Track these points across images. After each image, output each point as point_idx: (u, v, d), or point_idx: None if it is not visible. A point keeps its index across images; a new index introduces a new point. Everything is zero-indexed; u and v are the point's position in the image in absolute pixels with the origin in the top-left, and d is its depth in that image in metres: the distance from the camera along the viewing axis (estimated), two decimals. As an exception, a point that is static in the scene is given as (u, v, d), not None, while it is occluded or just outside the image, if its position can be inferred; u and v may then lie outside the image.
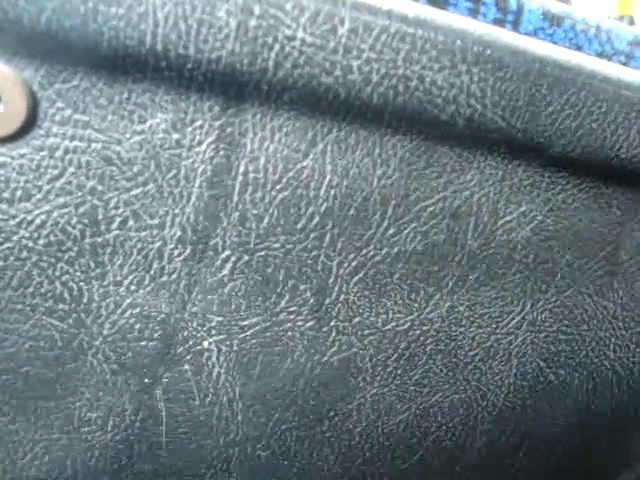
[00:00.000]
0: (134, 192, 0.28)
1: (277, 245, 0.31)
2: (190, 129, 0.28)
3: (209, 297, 0.31)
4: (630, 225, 0.37)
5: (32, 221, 0.28)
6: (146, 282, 0.30)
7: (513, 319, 0.36)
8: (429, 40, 0.28)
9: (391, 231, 0.32)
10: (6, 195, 0.27)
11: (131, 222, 0.29)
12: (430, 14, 0.29)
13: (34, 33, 0.25)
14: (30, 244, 0.28)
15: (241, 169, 0.29)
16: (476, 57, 0.29)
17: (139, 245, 0.29)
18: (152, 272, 0.30)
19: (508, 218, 0.34)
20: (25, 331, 0.29)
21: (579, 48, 0.35)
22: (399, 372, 0.35)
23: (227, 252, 0.30)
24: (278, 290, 0.32)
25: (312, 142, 0.30)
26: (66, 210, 0.28)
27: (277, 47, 0.27)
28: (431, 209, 0.32)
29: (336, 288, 0.32)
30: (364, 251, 0.32)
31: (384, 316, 0.34)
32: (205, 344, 0.31)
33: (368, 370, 0.34)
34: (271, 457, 0.35)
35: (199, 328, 0.31)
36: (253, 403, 0.33)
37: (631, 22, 1.02)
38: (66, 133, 0.27)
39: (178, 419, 0.32)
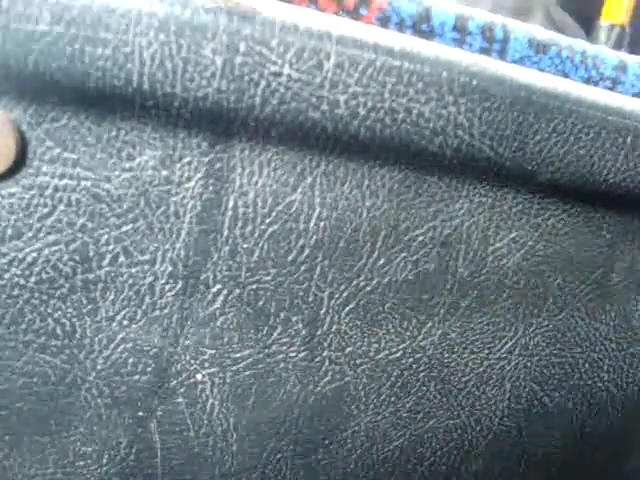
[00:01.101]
0: (124, 229, 0.28)
1: (268, 278, 0.31)
2: (179, 166, 0.28)
3: (201, 330, 0.31)
4: (620, 248, 0.37)
5: (23, 259, 0.28)
6: (138, 317, 0.30)
7: (506, 344, 0.36)
8: (415, 72, 0.28)
9: (381, 261, 0.32)
10: None
11: (122, 258, 0.29)
12: (416, 46, 0.29)
13: (22, 74, 0.25)
14: (22, 282, 0.28)
15: (230, 204, 0.29)
16: (463, 88, 0.29)
17: (130, 281, 0.29)
18: (144, 307, 0.30)
19: (498, 245, 0.34)
20: (18, 367, 0.29)
21: (565, 75, 0.35)
22: (393, 400, 0.35)
23: (218, 286, 0.30)
24: (270, 322, 0.32)
25: (301, 176, 0.30)
26: (57, 247, 0.28)
27: (263, 83, 0.27)
28: (421, 238, 0.32)
29: (328, 319, 0.32)
30: (355, 282, 0.32)
31: (376, 345, 0.34)
32: (198, 377, 0.31)
33: (362, 398, 0.34)
34: None
35: (192, 361, 0.31)
36: (248, 434, 0.33)
37: (622, 30, 1.02)
38: (55, 172, 0.27)
39: (173, 451, 0.32)
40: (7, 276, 0.28)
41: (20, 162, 0.27)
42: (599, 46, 0.35)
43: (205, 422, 0.32)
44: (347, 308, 0.32)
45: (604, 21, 1.11)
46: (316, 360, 0.33)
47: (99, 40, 0.25)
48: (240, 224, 0.30)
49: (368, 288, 0.32)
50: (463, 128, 0.30)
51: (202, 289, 0.30)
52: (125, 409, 0.31)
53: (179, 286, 0.30)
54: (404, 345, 0.34)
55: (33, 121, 0.26)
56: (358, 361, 0.34)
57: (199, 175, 0.28)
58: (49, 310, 0.29)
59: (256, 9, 0.26)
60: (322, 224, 0.31)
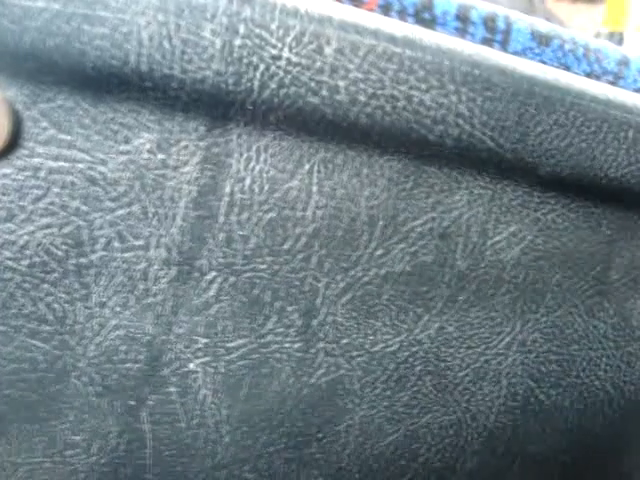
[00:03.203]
0: (119, 213, 0.28)
1: (264, 266, 0.30)
2: (175, 149, 0.28)
3: (195, 318, 0.30)
4: (620, 244, 0.37)
5: (15, 242, 0.27)
6: (131, 303, 0.29)
7: (503, 339, 0.36)
8: (417, 60, 0.28)
9: (379, 252, 0.32)
10: None
11: (116, 243, 0.28)
12: (418, 34, 0.29)
13: (18, 52, 0.25)
14: (13, 265, 0.28)
15: (227, 190, 0.29)
16: (464, 77, 0.29)
17: (124, 266, 0.29)
18: (137, 293, 0.29)
19: (497, 238, 0.34)
20: (8, 353, 0.29)
21: (568, 68, 0.35)
22: (388, 393, 0.35)
23: (213, 273, 0.30)
24: (265, 311, 0.31)
25: (299, 162, 0.29)
26: (50, 231, 0.28)
27: (262, 67, 0.27)
28: (419, 229, 0.32)
29: (323, 309, 0.32)
30: (352, 272, 0.32)
31: (372, 337, 0.33)
32: (191, 366, 0.31)
33: (356, 392, 0.34)
34: (258, 479, 0.34)
35: (185, 350, 0.31)
36: (240, 425, 0.33)
37: (621, 38, 1.03)
38: (50, 153, 0.27)
39: (164, 442, 0.32)
40: None
41: (14, 143, 0.26)
42: (602, 41, 0.35)
43: (197, 412, 0.32)
44: (343, 299, 0.32)
45: (604, 28, 1.11)
46: (311, 351, 0.32)
47: (97, 18, 0.25)
48: (236, 210, 0.29)
49: (365, 279, 0.32)
50: (464, 117, 0.30)
51: (196, 276, 0.30)
52: (116, 397, 0.31)
53: (173, 272, 0.29)
54: (400, 338, 0.34)
55: (28, 101, 0.26)
56: (354, 353, 0.33)
57: (196, 159, 0.28)
58: (40, 295, 0.28)
59: None
60: (320, 212, 0.30)
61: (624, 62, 0.35)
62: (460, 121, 0.30)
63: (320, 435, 0.34)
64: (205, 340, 0.31)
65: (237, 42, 0.26)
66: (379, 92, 0.28)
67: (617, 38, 1.04)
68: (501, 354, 0.36)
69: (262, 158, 0.29)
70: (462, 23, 0.32)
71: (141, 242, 0.29)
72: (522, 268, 0.35)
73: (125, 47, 0.25)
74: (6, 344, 0.28)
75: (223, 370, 0.32)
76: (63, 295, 0.29)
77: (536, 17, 0.35)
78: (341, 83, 0.28)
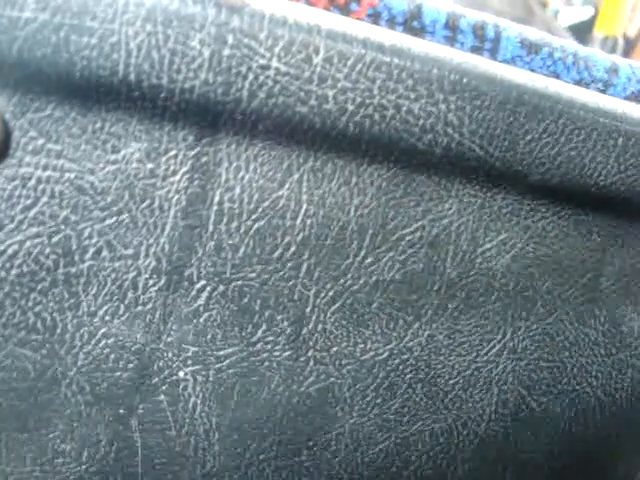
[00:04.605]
0: (108, 222, 0.28)
1: (253, 275, 0.30)
2: (164, 159, 0.28)
3: (185, 327, 0.30)
4: (610, 252, 0.37)
5: (4, 251, 0.27)
6: (121, 312, 0.29)
7: (494, 347, 0.36)
8: (405, 69, 0.28)
9: (369, 260, 0.32)
10: None
11: (105, 252, 0.28)
12: (407, 42, 0.29)
13: (6, 62, 0.25)
14: (2, 274, 0.28)
15: (216, 199, 0.29)
16: (453, 85, 0.29)
17: (113, 275, 0.29)
18: (127, 302, 0.29)
19: (487, 246, 0.34)
20: None
21: (557, 76, 0.35)
22: (378, 401, 0.35)
23: (202, 282, 0.30)
24: (255, 320, 0.31)
25: (288, 171, 0.29)
26: (39, 240, 0.28)
27: (251, 76, 0.27)
28: (409, 238, 0.32)
29: (313, 318, 0.32)
30: (341, 280, 0.32)
31: (362, 345, 0.33)
32: (181, 374, 0.31)
33: (346, 400, 0.34)
34: None
35: (175, 358, 0.31)
36: (230, 433, 0.33)
37: (615, 43, 1.03)
38: (39, 163, 0.27)
39: (154, 450, 0.32)
40: None
41: (3, 152, 0.26)
42: (591, 48, 0.35)
43: (187, 421, 0.32)
44: (333, 307, 0.32)
45: (598, 32, 1.12)
46: (301, 359, 0.32)
47: (85, 29, 0.25)
48: (225, 219, 0.29)
49: (355, 287, 0.32)
50: (453, 126, 0.30)
51: (186, 285, 0.30)
52: (106, 406, 0.30)
53: (163, 281, 0.29)
54: (390, 346, 0.34)
55: (17, 110, 0.26)
56: (343, 361, 0.33)
57: (185, 169, 0.28)
58: (30, 304, 0.28)
59: (245, 1, 0.26)
60: (309, 221, 0.30)
61: (613, 69, 0.35)
62: (449, 130, 0.30)
63: (311, 443, 0.34)
64: (195, 348, 0.31)
65: (226, 52, 0.26)
66: (368, 101, 0.28)
67: (611, 43, 1.04)
68: (492, 361, 0.36)
69: (251, 167, 0.29)
70: (451, 32, 0.33)
71: (130, 251, 0.29)
72: (512, 276, 0.35)
73: (113, 57, 0.25)
74: None
75: (213, 378, 0.32)
76: (52, 304, 0.29)
77: (535, 26, 0.35)
78: (330, 92, 0.28)
